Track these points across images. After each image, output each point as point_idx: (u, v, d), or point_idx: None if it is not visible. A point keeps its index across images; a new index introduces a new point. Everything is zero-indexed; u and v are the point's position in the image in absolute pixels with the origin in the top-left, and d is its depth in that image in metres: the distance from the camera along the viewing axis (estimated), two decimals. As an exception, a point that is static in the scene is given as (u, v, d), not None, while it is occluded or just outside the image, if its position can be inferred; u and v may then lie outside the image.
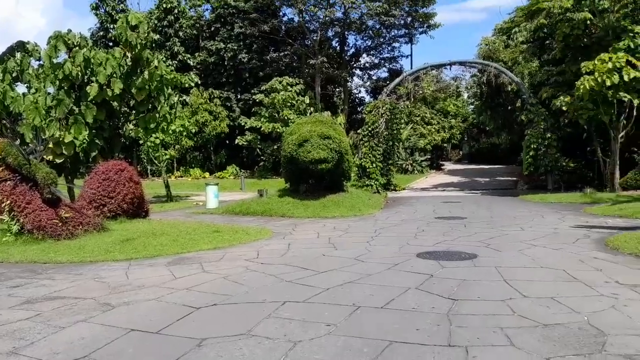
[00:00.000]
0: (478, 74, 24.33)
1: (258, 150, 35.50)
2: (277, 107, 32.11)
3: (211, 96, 35.71)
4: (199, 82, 35.25)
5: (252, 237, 9.87)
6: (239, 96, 38.13)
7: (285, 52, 36.51)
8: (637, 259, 6.74)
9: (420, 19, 37.55)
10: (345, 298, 5.33)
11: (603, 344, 3.78)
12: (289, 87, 32.36)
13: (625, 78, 15.51)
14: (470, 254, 7.55)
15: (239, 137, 34.85)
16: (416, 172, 33.73)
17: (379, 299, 5.25)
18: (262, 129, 32.58)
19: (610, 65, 15.48)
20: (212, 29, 37.52)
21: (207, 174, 36.16)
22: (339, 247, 8.54)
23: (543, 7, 20.28)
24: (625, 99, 16.27)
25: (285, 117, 31.35)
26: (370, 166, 20.63)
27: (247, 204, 15.47)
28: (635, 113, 17.08)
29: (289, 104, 32.12)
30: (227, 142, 37.77)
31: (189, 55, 36.95)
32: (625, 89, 15.98)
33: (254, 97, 33.98)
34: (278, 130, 30.96)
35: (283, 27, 38.71)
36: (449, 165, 42.60)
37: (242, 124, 34.46)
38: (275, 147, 32.32)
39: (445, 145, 42.71)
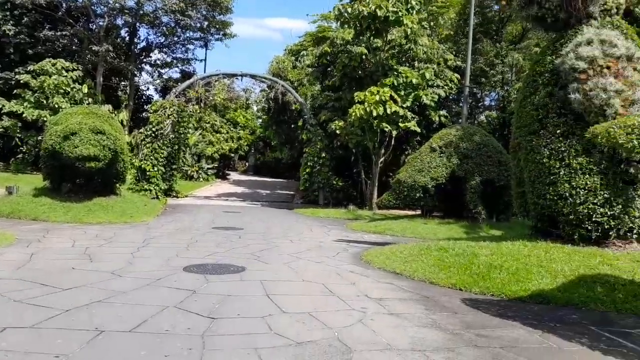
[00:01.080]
0: (267, 89, 25.13)
1: (17, 139, 30.20)
2: (46, 92, 27.89)
3: (-43, 69, 29.17)
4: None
5: (-17, 244, 8.06)
6: (-2, 73, 31.98)
7: (64, 33, 32.09)
8: (385, 273, 7.50)
9: (217, 26, 37.26)
10: (88, 321, 4.56)
11: (347, 360, 3.92)
12: (64, 71, 28.43)
13: (388, 111, 17.73)
14: (239, 266, 7.41)
15: (-8, 122, 29.11)
16: (201, 179, 33.03)
17: (129, 320, 4.63)
18: (24, 115, 27.84)
19: (377, 97, 17.52)
20: (-33, -12, 30.81)
21: (-61, 163, 29.26)
22: (95, 259, 7.52)
23: (328, 36, 22.06)
24: (387, 129, 18.63)
25: (56, 105, 27.40)
26: (152, 169, 19.34)
27: (-12, 203, 12.82)
28: (393, 142, 19.70)
29: (62, 90, 28.20)
30: (-25, 126, 31.22)
31: None
32: (387, 120, 18.29)
33: (18, 77, 28.91)
34: (45, 118, 26.84)
35: (64, 4, 34.03)
36: (234, 176, 43.01)
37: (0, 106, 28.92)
38: (39, 137, 27.90)
39: (232, 155, 42.98)
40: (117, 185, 15.40)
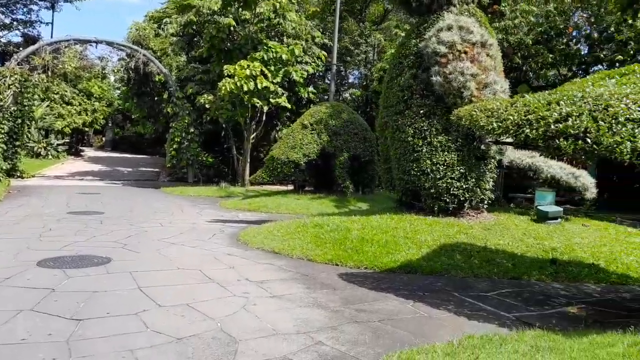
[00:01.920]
0: (126, 58, 23.11)
1: None
2: None
3: None
4: None
5: None
6: None
7: None
8: (263, 253, 7.43)
9: (64, -16, 33.22)
10: None
11: (235, 352, 3.79)
12: None
13: (259, 86, 17.45)
14: (104, 257, 6.78)
15: None
16: (51, 157, 29.62)
17: (-29, 332, 3.95)
18: None
19: (248, 72, 17.13)
20: None
21: None
22: None
23: (193, 4, 20.88)
24: (258, 105, 18.38)
25: None
26: (-12, 147, 16.82)
27: None
28: (264, 118, 19.55)
29: None
30: None
31: None
32: (258, 95, 18.03)
33: None
34: None
35: None
36: (90, 152, 39.32)
37: None
38: None
39: (87, 129, 39.15)
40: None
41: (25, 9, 34.32)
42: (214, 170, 21.58)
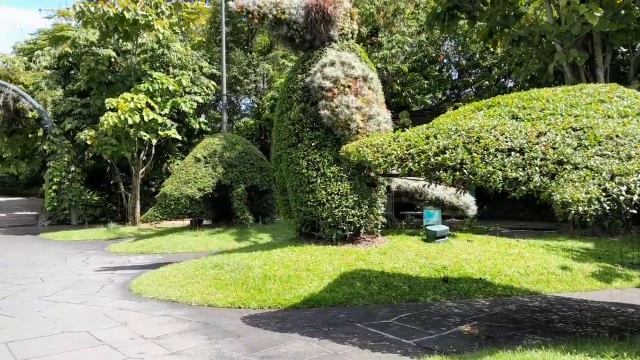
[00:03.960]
0: (-7, 93, 20.95)
1: None
2: None
3: None
4: None
5: None
6: None
7: None
8: (159, 304, 7.00)
9: None
10: None
11: None
12: None
13: (145, 118, 16.76)
14: (-29, 328, 5.95)
15: None
16: None
17: None
18: None
19: (132, 105, 16.37)
20: None
21: None
22: None
23: (68, 35, 19.64)
24: (145, 138, 17.62)
25: None
26: None
27: None
28: (153, 151, 18.76)
29: None
30: None
31: None
32: (145, 128, 17.29)
33: None
34: None
35: None
36: (-48, 196, 34.81)
37: None
38: None
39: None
40: None
41: None
42: (101, 209, 20.16)
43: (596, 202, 3.99)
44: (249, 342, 5.27)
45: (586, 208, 3.97)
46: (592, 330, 5.33)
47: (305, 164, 8.99)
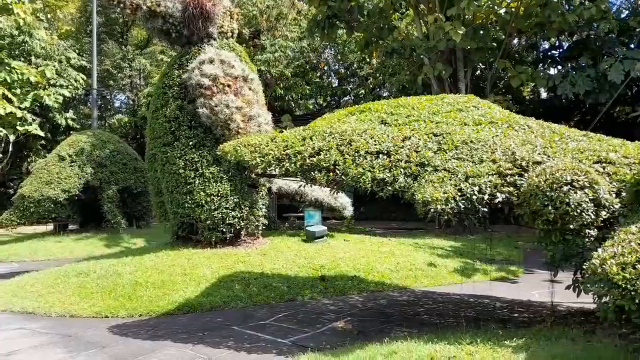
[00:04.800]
0: None
1: None
2: None
3: None
4: None
5: None
6: None
7: None
8: (13, 316, 6.27)
9: None
10: None
11: None
12: None
13: (1, 111, 15.02)
14: None
15: None
16: None
17: None
18: None
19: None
20: None
21: None
22: None
23: None
24: (1, 133, 15.77)
25: None
26: None
27: None
28: (11, 148, 16.85)
29: None
30: None
31: None
32: (1, 122, 15.48)
33: None
34: None
35: None
36: None
37: None
38: None
39: None
40: None
41: None
42: (-55, 213, 17.56)
43: (452, 201, 4.38)
44: (115, 352, 4.93)
45: (444, 206, 4.35)
46: (453, 321, 5.82)
47: (182, 163, 8.68)
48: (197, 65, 8.77)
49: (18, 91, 16.25)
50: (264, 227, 9.59)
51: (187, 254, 8.29)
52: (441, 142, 5.15)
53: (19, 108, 15.99)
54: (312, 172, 5.21)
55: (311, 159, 5.20)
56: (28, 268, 9.45)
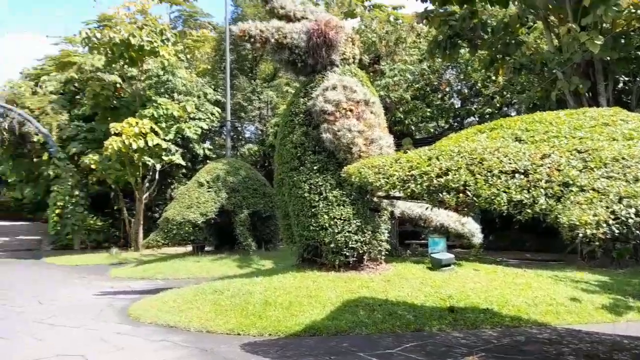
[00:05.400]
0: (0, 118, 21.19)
1: None
2: None
3: None
4: None
5: None
6: None
7: None
8: (158, 329, 6.85)
9: None
10: None
11: None
12: None
13: (150, 143, 16.84)
14: (-36, 353, 5.82)
15: None
16: None
17: None
18: None
19: (137, 129, 16.47)
20: None
21: None
22: None
23: (74, 61, 19.96)
24: (149, 163, 17.67)
25: None
26: None
27: None
28: (157, 176, 18.78)
29: None
30: None
31: None
32: (149, 153, 17.36)
33: None
34: None
35: None
36: (-45, 221, 34.82)
37: None
38: None
39: (-50, 196, 34.86)
40: None
41: None
42: (104, 234, 20.07)
43: (604, 225, 3.87)
44: (247, 369, 5.11)
45: (594, 231, 3.86)
46: (604, 362, 5.14)
47: (307, 187, 8.92)
48: (321, 92, 9.04)
49: (163, 125, 18.16)
50: (386, 253, 9.42)
51: (312, 276, 8.43)
52: (587, 159, 4.62)
53: (164, 140, 17.83)
54: (440, 194, 4.98)
55: (438, 179, 4.99)
56: (170, 285, 10.32)
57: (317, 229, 8.80)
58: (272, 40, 9.32)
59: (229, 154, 19.91)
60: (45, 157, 19.52)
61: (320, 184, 8.88)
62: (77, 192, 18.83)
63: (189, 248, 16.12)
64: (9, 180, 29.39)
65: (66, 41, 23.48)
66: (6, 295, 9.73)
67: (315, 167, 8.97)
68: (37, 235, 24.75)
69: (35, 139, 19.48)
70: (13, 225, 32.32)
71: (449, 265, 9.42)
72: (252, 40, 9.33)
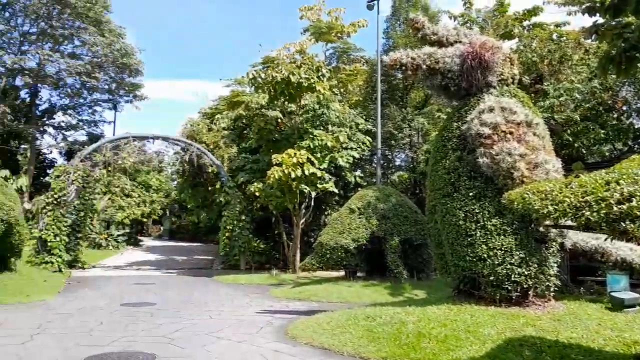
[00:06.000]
0: (181, 151, 24.43)
1: None
2: None
3: None
4: None
5: None
6: None
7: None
8: (312, 350, 7.06)
9: (126, 88, 36.36)
10: None
11: None
12: (-50, 134, 26.00)
13: (306, 172, 17.78)
14: (148, 354, 6.65)
15: None
16: (111, 247, 30.80)
17: None
18: None
19: (295, 160, 17.54)
20: None
21: None
22: (-25, 358, 6.40)
23: (242, 100, 22.15)
24: (306, 190, 18.62)
25: (-61, 172, 24.73)
26: (53, 240, 17.65)
27: None
28: (312, 203, 19.68)
29: (-53, 156, 25.61)
30: None
31: None
32: (305, 181, 18.32)
33: None
34: None
35: (-49, 62, 31.64)
36: (148, 242, 40.69)
37: None
38: None
39: (145, 220, 40.85)
40: (12, 260, 13.80)
41: (90, 110, 37.64)
42: (266, 256, 21.59)
43: None
44: (401, 400, 4.95)
45: None
46: None
47: (463, 215, 8.52)
48: (477, 115, 8.67)
49: (318, 155, 19.05)
50: (555, 290, 8.49)
51: (469, 310, 7.95)
52: None
53: (319, 169, 18.67)
54: (622, 223, 4.36)
55: (619, 206, 4.38)
56: (324, 308, 10.61)
57: (474, 259, 8.32)
58: (424, 66, 9.27)
59: (379, 181, 20.10)
60: (217, 185, 21.84)
61: (477, 211, 8.43)
62: (243, 217, 20.60)
63: (342, 272, 16.47)
64: (189, 206, 33.57)
65: (235, 83, 26.26)
66: (185, 308, 10.94)
67: (470, 194, 8.56)
68: (210, 255, 27.64)
69: (210, 170, 21.99)
70: (191, 246, 36.68)
71: (633, 306, 8.15)
72: (404, 68, 9.38)
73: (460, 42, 9.79)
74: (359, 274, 15.86)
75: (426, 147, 21.96)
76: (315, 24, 21.85)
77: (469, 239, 8.41)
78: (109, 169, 23.64)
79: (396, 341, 6.92)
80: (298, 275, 17.92)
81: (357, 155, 21.34)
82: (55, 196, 18.22)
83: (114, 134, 35.22)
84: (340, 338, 7.32)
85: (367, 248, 14.70)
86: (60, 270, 17.08)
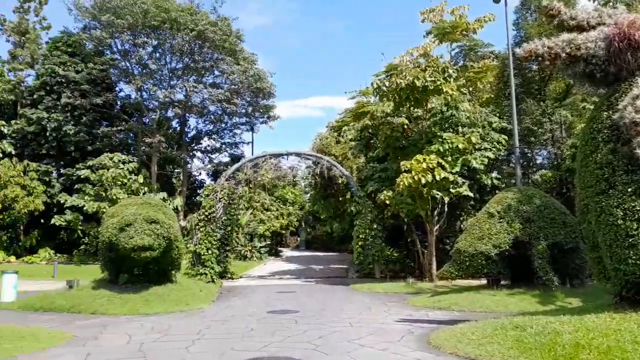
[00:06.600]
0: (313, 165, 25.42)
1: (79, 231, 31.64)
2: (105, 184, 29.46)
3: (26, 169, 31.39)
4: (13, 152, 31.09)
5: (41, 344, 8.05)
6: (61, 170, 34.25)
7: (120, 128, 34.39)
8: (457, 359, 6.83)
9: (261, 110, 38.99)
10: None
11: None
12: (120, 164, 30.14)
13: (437, 177, 17.33)
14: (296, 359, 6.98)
15: (56, 216, 30.73)
16: (255, 258, 33.11)
17: None
18: (85, 208, 29.33)
19: (424, 165, 17.21)
20: (35, 96, 33.81)
21: (13, 258, 30.78)
22: (150, 356, 7.29)
23: (367, 110, 22.42)
24: (438, 196, 18.14)
25: (114, 197, 28.75)
26: (206, 253, 19.47)
27: (50, 298, 13.08)
28: (446, 209, 19.10)
29: (119, 182, 29.72)
30: (42, 221, 33.04)
31: (2, 122, 32.39)
32: (437, 187, 17.86)
33: (78, 172, 30.82)
34: (104, 210, 28.09)
35: (118, 102, 36.80)
36: (287, 252, 42.93)
37: (62, 201, 30.71)
38: (99, 229, 29.10)
39: (283, 231, 43.20)
40: (173, 272, 15.49)
41: (231, 134, 41.09)
42: (400, 265, 21.44)
43: None
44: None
45: None
46: None
47: (621, 213, 7.61)
48: (630, 101, 7.72)
49: (449, 158, 18.46)
50: None
51: (635, 318, 7.06)
52: None
53: (451, 173, 18.07)
54: None
55: None
56: (467, 317, 10.20)
57: (638, 262, 7.38)
58: (563, 54, 8.55)
59: (519, 182, 18.84)
60: (348, 195, 22.31)
61: (638, 209, 7.49)
62: (375, 226, 20.71)
63: (483, 281, 15.66)
64: (322, 217, 34.76)
65: (360, 94, 26.68)
66: (325, 315, 11.30)
67: (629, 189, 7.64)
68: (345, 264, 28.22)
69: (339, 181, 22.57)
70: (326, 255, 37.84)
71: None
72: (540, 59, 8.75)
73: (603, 24, 8.87)
74: (502, 282, 14.94)
75: (572, 142, 20.11)
76: (438, 25, 21.33)
77: (630, 240, 7.50)
78: (250, 185, 25.46)
79: (550, 352, 6.40)
80: (435, 283, 17.47)
81: (492, 156, 20.26)
82: (206, 213, 20.09)
83: (252, 154, 37.86)
84: (488, 348, 6.98)
85: (510, 254, 13.81)
86: (212, 281, 18.72)
